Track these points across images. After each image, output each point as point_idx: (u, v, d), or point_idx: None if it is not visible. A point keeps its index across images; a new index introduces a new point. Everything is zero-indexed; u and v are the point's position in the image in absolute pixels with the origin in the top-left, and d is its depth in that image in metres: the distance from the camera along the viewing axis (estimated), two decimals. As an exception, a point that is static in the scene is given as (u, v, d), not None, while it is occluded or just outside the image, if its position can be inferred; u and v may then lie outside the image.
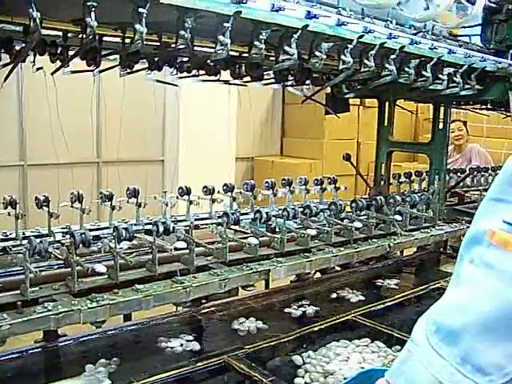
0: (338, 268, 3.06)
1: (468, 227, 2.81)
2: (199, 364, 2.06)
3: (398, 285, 2.99)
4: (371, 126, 4.85)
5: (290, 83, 3.12)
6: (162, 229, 2.18)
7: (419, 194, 3.25)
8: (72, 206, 2.43)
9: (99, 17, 1.64)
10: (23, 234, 2.51)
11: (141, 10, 1.68)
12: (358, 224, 2.72)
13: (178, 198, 2.77)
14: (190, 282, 2.13)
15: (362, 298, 2.76)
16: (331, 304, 2.70)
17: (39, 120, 6.35)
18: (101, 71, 2.46)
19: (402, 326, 2.41)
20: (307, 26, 2.11)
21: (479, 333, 0.80)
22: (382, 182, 3.73)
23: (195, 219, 2.68)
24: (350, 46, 2.34)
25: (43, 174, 6.52)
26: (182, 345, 2.22)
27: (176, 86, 2.88)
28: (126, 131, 6.92)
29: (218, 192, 2.78)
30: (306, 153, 8.12)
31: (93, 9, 1.61)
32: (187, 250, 2.24)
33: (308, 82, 3.08)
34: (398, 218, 2.95)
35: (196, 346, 2.22)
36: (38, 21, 1.57)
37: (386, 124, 3.70)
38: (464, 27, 3.27)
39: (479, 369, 0.81)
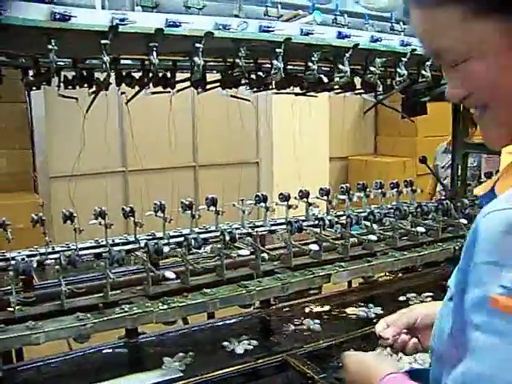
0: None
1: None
2: (261, 361, 2.25)
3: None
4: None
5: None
6: (228, 238, 2.38)
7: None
8: (156, 215, 2.61)
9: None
10: (113, 240, 2.74)
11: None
12: (421, 229, 2.81)
13: (255, 204, 2.90)
14: (254, 286, 2.32)
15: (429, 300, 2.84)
16: (396, 306, 2.79)
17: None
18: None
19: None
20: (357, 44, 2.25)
21: None
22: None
23: (271, 224, 2.81)
24: (404, 59, 2.46)
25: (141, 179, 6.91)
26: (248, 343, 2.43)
27: (249, 100, 3.04)
28: (220, 136, 7.22)
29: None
30: (399, 151, 8.13)
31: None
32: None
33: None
34: (464, 221, 3.00)
35: (262, 343, 2.43)
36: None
37: (460, 126, 3.73)
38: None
39: None
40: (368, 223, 2.79)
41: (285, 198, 2.70)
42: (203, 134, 7.31)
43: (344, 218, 2.71)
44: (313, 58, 2.23)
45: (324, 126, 7.45)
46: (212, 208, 2.80)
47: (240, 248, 2.48)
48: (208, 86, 2.70)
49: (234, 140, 7.41)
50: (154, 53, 1.90)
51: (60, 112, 6.02)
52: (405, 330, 1.45)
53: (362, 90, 3.09)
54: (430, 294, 2.91)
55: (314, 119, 7.12)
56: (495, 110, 0.99)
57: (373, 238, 2.65)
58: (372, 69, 2.42)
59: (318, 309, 2.77)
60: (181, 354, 2.28)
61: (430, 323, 1.32)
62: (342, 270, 2.49)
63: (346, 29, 2.30)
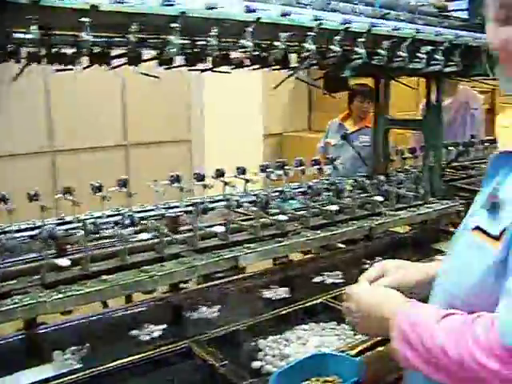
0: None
1: (462, 203, 2.81)
2: (163, 348, 2.16)
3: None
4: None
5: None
6: (128, 221, 2.28)
7: (406, 173, 3.26)
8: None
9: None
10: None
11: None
12: (333, 207, 2.75)
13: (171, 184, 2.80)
14: (157, 271, 2.23)
15: (341, 281, 2.80)
16: (307, 287, 2.75)
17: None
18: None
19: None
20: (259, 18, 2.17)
21: None
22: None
23: (187, 205, 2.72)
24: (312, 34, 2.39)
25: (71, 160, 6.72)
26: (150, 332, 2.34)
27: (157, 77, 2.92)
28: (151, 114, 7.07)
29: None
30: (333, 127, 8.07)
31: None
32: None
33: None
34: (379, 198, 2.96)
35: (164, 332, 2.34)
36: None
37: (381, 103, 3.70)
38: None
39: None
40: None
41: (220, 174, 2.66)
42: (133, 113, 7.15)
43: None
44: (212, 33, 2.14)
45: (257, 103, 7.37)
46: (124, 189, 2.72)
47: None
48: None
49: (165, 118, 7.28)
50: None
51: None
52: None
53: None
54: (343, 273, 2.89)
55: (246, 96, 7.04)
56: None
57: (283, 217, 2.58)
58: (276, 43, 2.34)
59: (229, 291, 2.69)
60: (73, 348, 2.18)
61: (419, 285, 1.53)
62: (249, 251, 2.42)
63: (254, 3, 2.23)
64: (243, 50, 2.26)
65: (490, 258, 1.18)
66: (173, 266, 2.28)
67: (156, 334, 2.35)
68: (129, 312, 2.54)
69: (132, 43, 2.05)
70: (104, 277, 2.17)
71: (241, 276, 2.82)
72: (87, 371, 2.00)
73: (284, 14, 2.24)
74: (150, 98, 6.91)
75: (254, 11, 2.14)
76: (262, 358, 2.11)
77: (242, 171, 2.77)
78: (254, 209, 2.63)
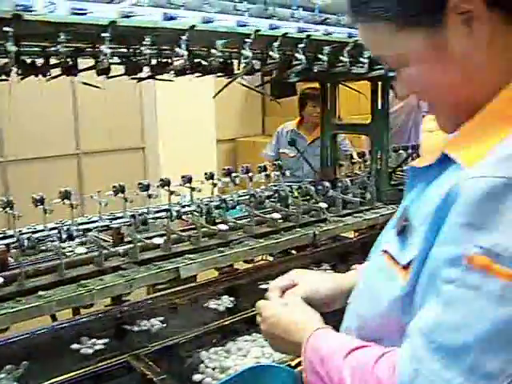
0: (270, 258, 3.10)
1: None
2: (103, 363, 2.12)
3: (336, 269, 3.01)
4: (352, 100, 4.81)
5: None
6: (64, 235, 2.24)
7: (351, 178, 3.27)
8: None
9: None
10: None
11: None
12: (276, 215, 2.74)
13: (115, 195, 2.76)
14: (95, 285, 2.19)
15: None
16: (253, 295, 2.72)
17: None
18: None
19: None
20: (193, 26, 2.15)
21: (480, 349, 0.91)
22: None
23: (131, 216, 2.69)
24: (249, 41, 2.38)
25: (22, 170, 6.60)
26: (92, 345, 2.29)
27: (98, 87, 2.88)
28: (103, 122, 6.99)
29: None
30: (287, 131, 8.08)
31: None
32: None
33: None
34: (323, 205, 2.95)
35: (106, 346, 2.29)
36: None
37: (329, 107, 3.71)
38: None
39: (485, 375, 0.91)
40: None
41: (166, 183, 2.64)
42: (85, 121, 7.05)
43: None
44: (144, 42, 2.12)
45: (210, 108, 7.33)
46: (67, 201, 2.67)
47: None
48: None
49: (118, 126, 7.21)
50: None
51: None
52: None
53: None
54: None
55: (199, 103, 7.00)
56: (437, 107, 1.14)
57: (223, 227, 2.56)
58: (213, 51, 2.33)
59: (172, 302, 2.65)
60: (8, 367, 2.11)
61: (329, 298, 1.46)
62: (190, 262, 2.39)
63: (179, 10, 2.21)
64: (179, 57, 2.24)
65: (398, 289, 1.09)
66: (112, 280, 2.24)
67: (98, 348, 2.30)
68: (71, 325, 2.47)
69: (65, 53, 2.03)
70: (40, 292, 2.12)
71: (187, 286, 2.78)
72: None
73: (206, 22, 2.21)
74: (101, 106, 6.83)
75: (172, 19, 2.11)
76: (203, 371, 2.08)
77: (188, 180, 2.74)
78: (196, 218, 2.60)
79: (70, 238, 2.27)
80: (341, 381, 1.08)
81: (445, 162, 1.06)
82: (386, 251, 1.16)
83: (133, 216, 2.43)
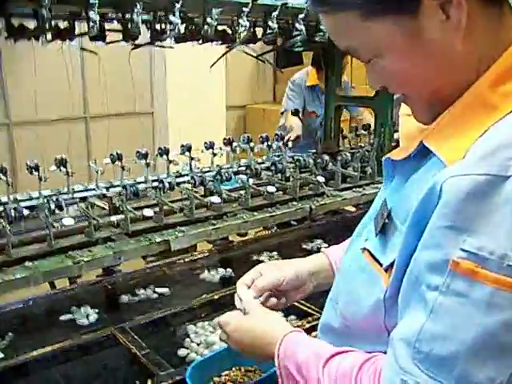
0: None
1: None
2: (86, 337, 2.10)
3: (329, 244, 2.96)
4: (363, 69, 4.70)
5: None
6: (53, 206, 2.21)
7: (353, 151, 3.21)
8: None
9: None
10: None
11: None
12: (271, 188, 2.70)
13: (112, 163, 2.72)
14: (83, 257, 2.17)
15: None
16: (246, 268, 2.69)
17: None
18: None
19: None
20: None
21: (468, 359, 0.85)
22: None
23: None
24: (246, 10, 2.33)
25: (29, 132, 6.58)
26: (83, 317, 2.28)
27: (96, 53, 2.84)
28: (112, 87, 6.95)
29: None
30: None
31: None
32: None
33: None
34: (321, 178, 2.91)
35: (93, 317, 2.28)
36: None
37: (333, 77, 3.64)
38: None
39: None
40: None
41: (165, 152, 2.63)
42: (94, 86, 7.00)
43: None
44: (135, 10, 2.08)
45: (220, 75, 7.26)
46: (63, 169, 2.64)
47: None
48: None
49: (127, 91, 7.16)
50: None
51: None
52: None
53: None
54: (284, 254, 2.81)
55: (209, 69, 6.92)
56: (411, 98, 1.07)
57: (216, 199, 2.52)
58: (208, 20, 2.28)
59: (164, 273, 2.63)
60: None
61: (298, 284, 1.44)
62: (181, 235, 2.36)
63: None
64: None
65: (380, 292, 1.05)
66: (100, 251, 2.22)
67: (90, 319, 2.28)
68: (61, 296, 2.44)
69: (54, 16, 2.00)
70: (27, 263, 2.11)
71: (180, 257, 2.75)
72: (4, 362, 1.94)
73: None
74: (110, 72, 6.79)
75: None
76: (189, 346, 2.07)
77: (187, 149, 2.71)
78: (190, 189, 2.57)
79: (60, 208, 2.24)
80: None
81: (423, 152, 1.01)
82: (366, 249, 1.12)
83: (124, 186, 2.39)
